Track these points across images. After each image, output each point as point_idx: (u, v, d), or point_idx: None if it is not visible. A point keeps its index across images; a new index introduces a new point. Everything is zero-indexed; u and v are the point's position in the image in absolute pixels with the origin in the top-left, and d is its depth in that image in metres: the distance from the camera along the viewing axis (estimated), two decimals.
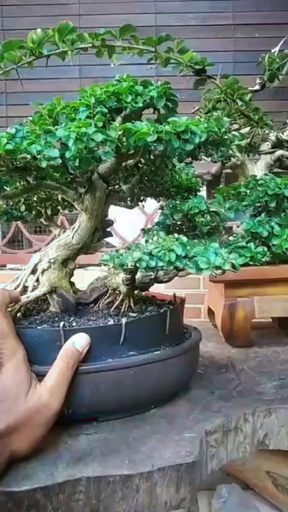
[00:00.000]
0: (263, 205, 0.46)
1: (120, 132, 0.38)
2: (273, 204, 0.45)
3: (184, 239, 0.40)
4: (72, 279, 0.57)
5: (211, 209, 0.46)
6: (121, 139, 0.40)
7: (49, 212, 0.59)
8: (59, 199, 0.58)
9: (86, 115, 0.41)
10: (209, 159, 0.81)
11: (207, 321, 1.04)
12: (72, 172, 0.42)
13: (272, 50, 1.30)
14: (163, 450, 0.43)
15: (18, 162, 0.38)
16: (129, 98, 0.43)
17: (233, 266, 0.37)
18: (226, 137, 0.44)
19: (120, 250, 0.45)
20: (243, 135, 0.80)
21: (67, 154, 0.38)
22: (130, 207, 0.61)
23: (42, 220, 0.57)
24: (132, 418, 0.50)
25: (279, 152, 0.85)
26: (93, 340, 0.47)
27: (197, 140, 0.38)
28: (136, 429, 0.47)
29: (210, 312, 0.99)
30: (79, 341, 0.46)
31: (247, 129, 0.83)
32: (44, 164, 0.36)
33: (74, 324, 0.50)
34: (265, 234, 0.42)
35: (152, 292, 0.67)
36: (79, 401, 0.46)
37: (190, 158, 0.90)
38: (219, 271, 0.37)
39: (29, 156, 0.35)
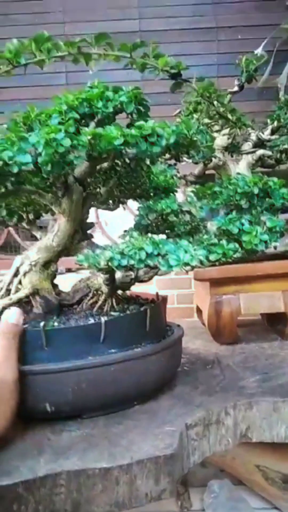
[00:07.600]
0: (234, 203, 0.48)
1: (89, 137, 0.40)
2: (243, 202, 0.47)
3: (156, 238, 0.42)
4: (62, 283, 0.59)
5: (183, 209, 0.47)
6: (93, 144, 0.41)
7: (31, 216, 0.60)
8: (41, 203, 0.60)
9: (57, 121, 0.43)
10: (191, 160, 0.82)
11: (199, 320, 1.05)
12: (46, 176, 0.43)
13: (255, 51, 1.32)
14: (142, 444, 0.44)
15: None
16: (100, 104, 0.44)
17: (200, 262, 0.38)
18: (195, 138, 0.45)
19: (96, 251, 0.46)
20: (214, 136, 0.82)
21: (39, 160, 0.39)
22: (111, 209, 0.62)
23: (24, 224, 0.59)
24: (115, 415, 0.51)
25: (260, 152, 0.87)
26: (74, 338, 0.49)
27: (163, 143, 0.40)
28: (117, 424, 0.49)
29: (199, 311, 1.00)
30: (11, 316, 0.48)
31: (228, 130, 0.85)
32: (15, 169, 0.38)
33: (55, 324, 0.51)
34: (236, 231, 0.43)
35: (138, 292, 0.68)
36: (61, 399, 0.47)
37: (174, 160, 0.92)
38: (188, 268, 0.38)
39: (1, 162, 0.37)
